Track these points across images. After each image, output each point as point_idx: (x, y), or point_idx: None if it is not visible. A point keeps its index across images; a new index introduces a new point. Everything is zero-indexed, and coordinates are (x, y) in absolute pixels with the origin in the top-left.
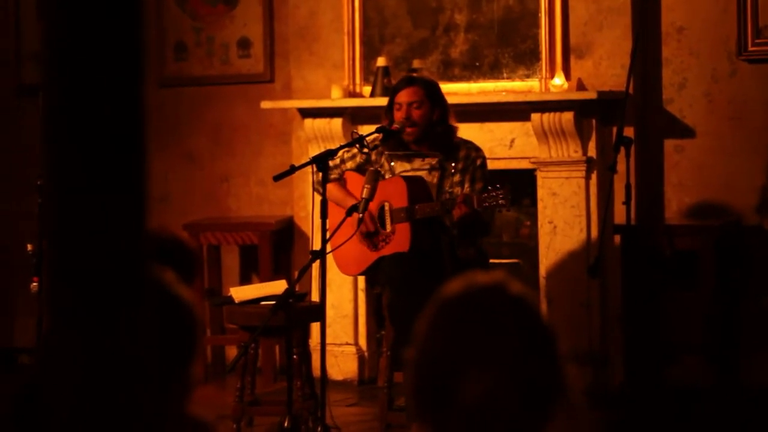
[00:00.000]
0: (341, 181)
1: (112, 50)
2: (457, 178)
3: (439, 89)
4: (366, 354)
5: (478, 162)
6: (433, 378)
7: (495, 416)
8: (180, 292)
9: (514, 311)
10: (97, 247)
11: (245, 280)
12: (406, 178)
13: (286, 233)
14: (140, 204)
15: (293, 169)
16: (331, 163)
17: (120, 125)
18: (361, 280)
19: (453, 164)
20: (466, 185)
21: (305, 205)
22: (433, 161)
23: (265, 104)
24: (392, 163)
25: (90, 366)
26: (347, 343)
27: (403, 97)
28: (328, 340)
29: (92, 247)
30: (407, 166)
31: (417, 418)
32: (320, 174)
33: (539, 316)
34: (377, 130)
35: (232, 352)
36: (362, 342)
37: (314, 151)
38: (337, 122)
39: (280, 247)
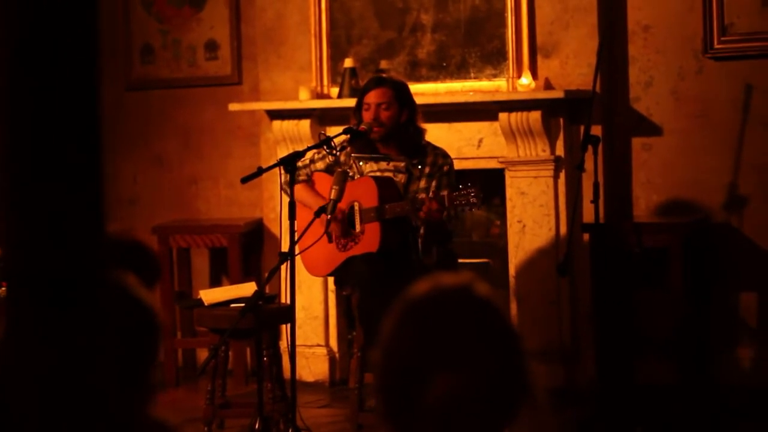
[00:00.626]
0: (309, 182)
1: (67, 52)
2: (423, 183)
3: (408, 90)
4: (337, 355)
5: (446, 168)
6: (398, 379)
7: (460, 417)
8: (140, 295)
9: (480, 312)
10: (54, 250)
11: (215, 282)
12: (376, 178)
13: (256, 235)
14: (97, 207)
15: (260, 171)
16: (300, 164)
17: (76, 127)
18: (332, 281)
19: (420, 168)
20: (431, 192)
21: (275, 207)
22: (400, 164)
23: (233, 106)
24: (361, 163)
25: (48, 368)
26: (318, 345)
27: (372, 97)
28: (299, 341)
29: (48, 250)
30: (374, 166)
31: (383, 418)
32: (287, 176)
33: (504, 318)
34: (344, 131)
35: (203, 354)
36: (333, 343)
37: (283, 152)
38: (305, 124)
39: (250, 249)
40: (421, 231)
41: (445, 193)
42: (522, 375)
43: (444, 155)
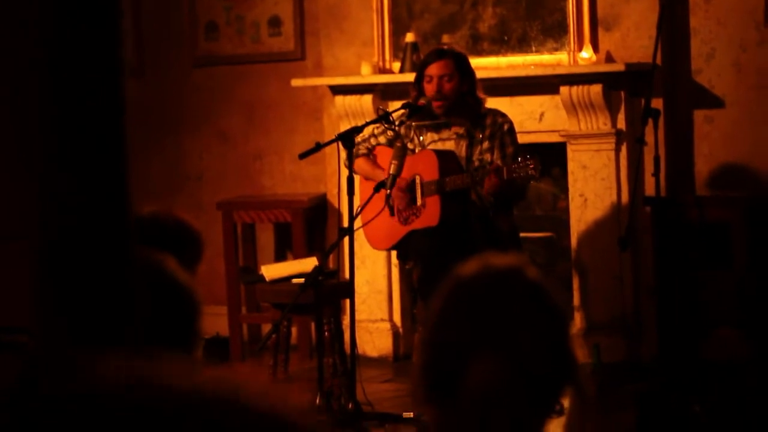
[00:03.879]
0: (370, 156)
1: (91, 41)
2: (486, 145)
3: (467, 61)
4: (401, 330)
5: (506, 127)
6: (442, 357)
7: (501, 400)
8: (179, 277)
9: (528, 296)
10: (79, 234)
11: (280, 257)
12: (437, 151)
13: (320, 210)
14: (122, 190)
15: (318, 147)
16: (359, 138)
17: (99, 113)
18: (395, 255)
19: (480, 132)
20: (496, 152)
21: (338, 182)
22: (461, 130)
23: (296, 82)
24: (421, 137)
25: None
26: (382, 320)
27: (434, 69)
28: (363, 316)
29: (74, 234)
30: (435, 136)
31: (423, 397)
32: (346, 151)
33: (554, 303)
34: (403, 106)
35: (267, 329)
36: (396, 318)
37: (346, 127)
38: (367, 99)
39: (314, 225)
40: (490, 202)
41: (502, 163)
42: (568, 362)
43: (502, 114)
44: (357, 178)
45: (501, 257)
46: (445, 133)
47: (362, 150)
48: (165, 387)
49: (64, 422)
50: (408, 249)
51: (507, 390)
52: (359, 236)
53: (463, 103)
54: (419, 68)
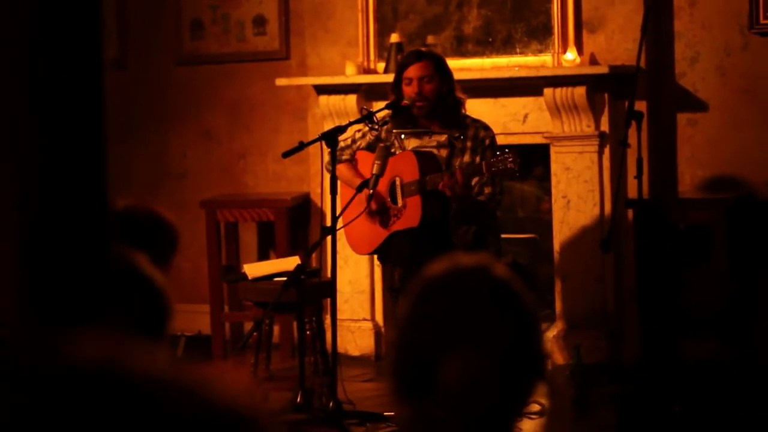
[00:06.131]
0: (353, 162)
1: (70, 33)
2: (467, 157)
3: (445, 62)
4: (383, 329)
5: (487, 141)
6: (413, 357)
7: (473, 398)
8: (152, 277)
9: (497, 294)
10: (56, 224)
11: (263, 256)
12: (416, 152)
13: (303, 210)
14: (100, 181)
15: (302, 146)
16: (342, 144)
17: (78, 109)
18: (377, 257)
19: (462, 142)
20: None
21: (321, 182)
22: (442, 138)
23: (280, 81)
24: (402, 137)
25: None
26: (364, 319)
27: (413, 71)
28: (345, 315)
29: (52, 226)
30: (417, 142)
31: (397, 398)
32: (329, 156)
33: (522, 300)
34: (387, 106)
35: (250, 328)
36: (379, 318)
37: (329, 127)
38: (351, 98)
39: (297, 224)
40: (453, 205)
41: (482, 161)
42: (538, 358)
43: (485, 127)
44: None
45: (469, 256)
46: (426, 140)
47: (345, 156)
48: (131, 368)
49: (36, 398)
50: (389, 251)
51: (479, 387)
52: (342, 236)
53: (444, 104)
54: (397, 71)
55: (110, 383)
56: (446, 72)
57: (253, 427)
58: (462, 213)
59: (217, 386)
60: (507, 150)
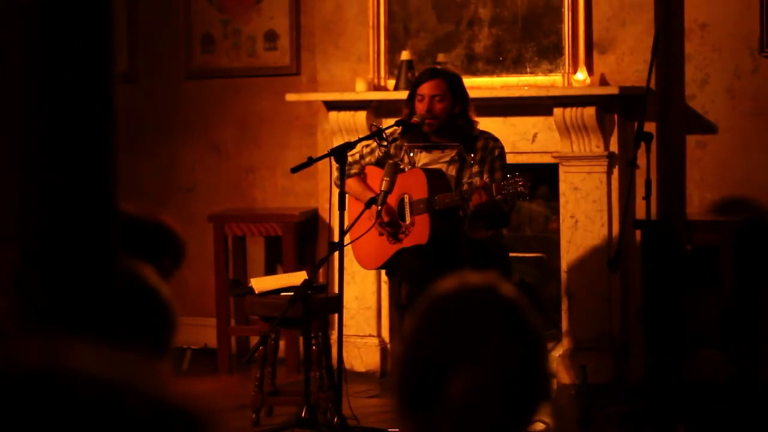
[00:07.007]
0: (362, 176)
1: (81, 45)
2: (475, 168)
3: (461, 82)
4: (389, 346)
5: (496, 152)
6: (418, 374)
7: (477, 416)
8: (155, 286)
9: (503, 312)
10: (65, 239)
11: (270, 271)
12: (425, 170)
13: (311, 225)
14: (108, 189)
15: (311, 162)
16: (350, 159)
17: (88, 117)
18: (385, 272)
19: (471, 155)
20: (485, 175)
21: (329, 197)
22: (453, 153)
23: (290, 97)
24: (411, 155)
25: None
26: (370, 335)
27: (426, 89)
28: (351, 331)
29: (59, 241)
30: (427, 158)
31: (401, 414)
32: (338, 168)
33: (528, 319)
34: (396, 123)
35: (255, 342)
36: (385, 334)
37: (339, 143)
38: (361, 115)
39: (305, 239)
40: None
41: (489, 182)
42: (543, 377)
43: (494, 139)
44: (348, 195)
45: (477, 275)
46: (437, 155)
47: (354, 170)
48: (71, 370)
49: None
50: (397, 267)
51: (483, 406)
52: (349, 252)
53: (454, 124)
54: (412, 86)
55: (48, 385)
56: (460, 92)
57: (195, 425)
58: (481, 213)
59: (163, 386)
60: (517, 173)
